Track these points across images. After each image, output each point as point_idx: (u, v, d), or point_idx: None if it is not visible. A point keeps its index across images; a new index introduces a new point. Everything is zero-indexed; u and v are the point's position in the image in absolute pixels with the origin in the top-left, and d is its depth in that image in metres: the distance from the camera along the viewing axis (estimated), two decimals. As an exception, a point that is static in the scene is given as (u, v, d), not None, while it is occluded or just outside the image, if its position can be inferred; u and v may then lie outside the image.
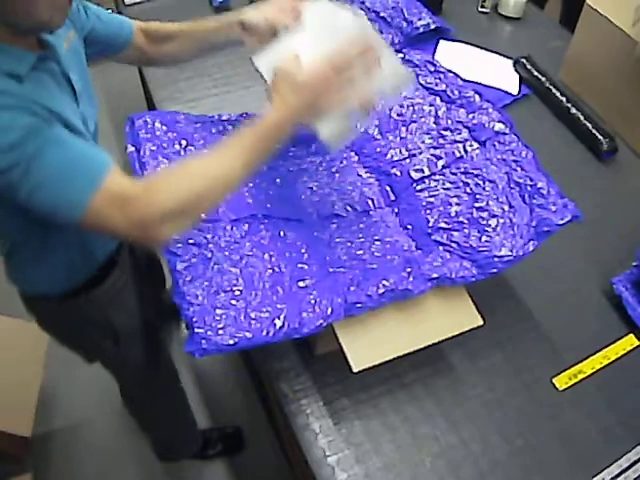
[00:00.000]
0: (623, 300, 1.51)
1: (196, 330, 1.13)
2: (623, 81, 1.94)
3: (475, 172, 1.44)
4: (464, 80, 1.58)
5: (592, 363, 1.43)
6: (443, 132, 1.52)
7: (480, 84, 2.09)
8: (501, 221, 1.35)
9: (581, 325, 1.51)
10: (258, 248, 1.30)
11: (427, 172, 1.48)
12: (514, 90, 2.10)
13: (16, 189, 0.97)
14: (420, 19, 2.19)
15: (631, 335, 1.49)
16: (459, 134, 1.50)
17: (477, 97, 1.53)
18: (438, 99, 1.57)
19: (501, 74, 2.15)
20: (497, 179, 1.41)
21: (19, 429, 1.94)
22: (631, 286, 1.53)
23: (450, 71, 1.61)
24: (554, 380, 1.40)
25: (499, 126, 1.47)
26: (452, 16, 2.38)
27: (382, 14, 2.22)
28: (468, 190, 1.42)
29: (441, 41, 2.26)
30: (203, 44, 1.45)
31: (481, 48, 2.25)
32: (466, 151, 1.47)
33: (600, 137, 1.91)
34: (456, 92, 1.56)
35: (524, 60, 2.15)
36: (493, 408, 1.34)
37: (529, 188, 1.37)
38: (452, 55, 2.20)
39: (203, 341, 1.12)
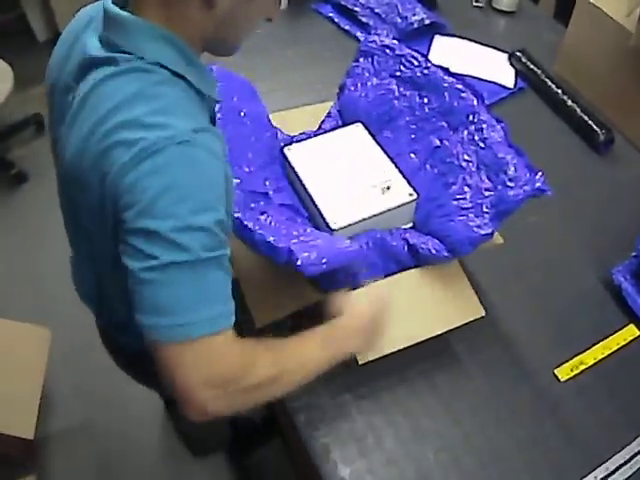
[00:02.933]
0: (622, 290, 1.51)
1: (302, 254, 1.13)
2: (618, 72, 1.95)
3: (449, 160, 1.40)
4: (456, 74, 1.55)
5: (593, 354, 1.43)
6: (419, 124, 1.48)
7: (476, 78, 2.09)
8: (469, 205, 1.33)
9: (581, 316, 1.51)
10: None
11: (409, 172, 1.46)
12: (510, 84, 2.10)
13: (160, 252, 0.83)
14: (414, 14, 2.20)
15: (631, 325, 1.49)
16: (435, 122, 1.46)
17: (441, 73, 1.47)
18: (409, 87, 1.52)
19: (496, 68, 2.15)
20: (468, 163, 1.37)
21: (22, 432, 1.94)
22: (630, 276, 1.53)
23: (411, 48, 1.54)
24: (556, 371, 1.40)
25: (470, 104, 1.42)
26: (447, 11, 2.38)
27: (376, 10, 2.22)
28: (444, 181, 1.40)
29: (436, 36, 2.26)
30: None
31: (476, 42, 2.25)
32: (441, 140, 1.44)
33: (596, 128, 1.91)
34: (419, 74, 1.49)
35: (519, 54, 2.15)
36: (495, 401, 1.34)
37: (495, 166, 1.33)
38: (447, 50, 2.20)
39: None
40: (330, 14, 2.32)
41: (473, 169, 1.36)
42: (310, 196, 1.34)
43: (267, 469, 2.19)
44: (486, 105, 1.42)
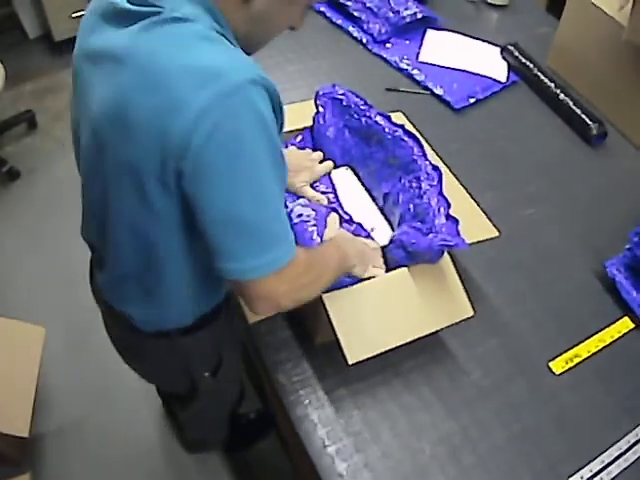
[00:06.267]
0: (616, 283, 1.52)
1: None
2: (611, 65, 1.95)
3: (394, 207, 1.45)
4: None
5: (588, 346, 1.44)
6: (373, 172, 1.52)
7: (468, 72, 2.09)
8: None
9: (575, 309, 1.51)
10: None
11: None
12: (502, 77, 2.10)
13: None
14: (407, 8, 2.20)
15: (626, 318, 1.50)
16: (382, 171, 1.48)
17: (382, 121, 1.48)
18: (358, 137, 1.53)
19: (489, 62, 2.15)
20: (407, 210, 1.40)
21: (17, 430, 1.92)
22: (624, 269, 1.53)
23: (352, 92, 1.54)
24: (550, 364, 1.40)
25: (409, 152, 1.43)
26: (439, 5, 2.38)
27: (368, 4, 2.21)
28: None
29: (428, 30, 2.26)
30: None
31: (468, 36, 2.25)
32: (389, 188, 1.47)
33: (589, 122, 1.91)
34: (364, 123, 1.49)
35: (511, 47, 2.15)
36: (490, 394, 1.35)
37: (422, 214, 1.35)
38: (439, 44, 2.20)
39: None
40: (322, 8, 2.31)
41: (410, 217, 1.39)
42: None
43: (264, 465, 2.19)
44: (424, 152, 1.43)
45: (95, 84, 0.96)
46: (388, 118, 1.48)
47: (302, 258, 1.02)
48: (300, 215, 1.33)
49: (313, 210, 1.33)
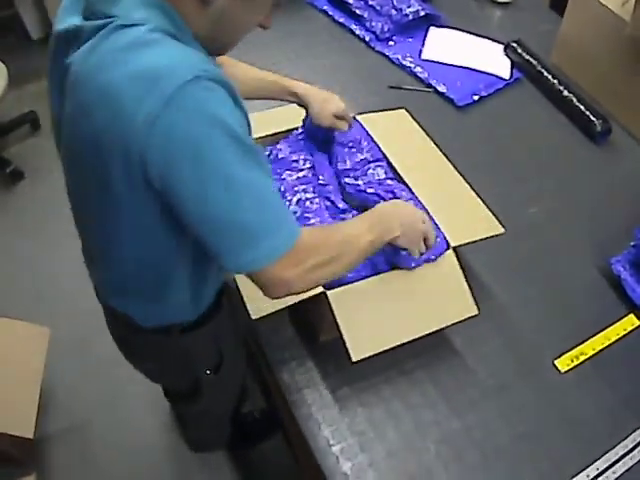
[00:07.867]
0: (622, 280, 1.51)
1: None
2: (614, 61, 1.94)
3: None
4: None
5: (593, 344, 1.43)
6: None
7: (472, 69, 2.09)
8: None
9: (580, 306, 1.51)
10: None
11: None
12: (506, 75, 2.09)
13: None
14: (409, 6, 2.19)
15: (631, 315, 1.49)
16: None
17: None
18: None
19: (492, 59, 2.15)
20: None
21: (22, 431, 1.93)
22: (629, 266, 1.53)
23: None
24: (556, 362, 1.40)
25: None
26: (442, 2, 2.38)
27: (371, 2, 2.21)
28: None
29: (431, 28, 2.25)
30: (249, 93, 1.40)
31: (471, 34, 2.24)
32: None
33: (593, 118, 1.90)
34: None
35: (515, 44, 2.14)
36: (495, 393, 1.34)
37: None
38: (443, 42, 2.20)
39: None
40: (324, 7, 2.31)
41: None
42: None
43: (269, 465, 2.18)
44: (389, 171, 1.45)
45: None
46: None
47: (309, 239, 1.00)
48: (295, 212, 1.36)
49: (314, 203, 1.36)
